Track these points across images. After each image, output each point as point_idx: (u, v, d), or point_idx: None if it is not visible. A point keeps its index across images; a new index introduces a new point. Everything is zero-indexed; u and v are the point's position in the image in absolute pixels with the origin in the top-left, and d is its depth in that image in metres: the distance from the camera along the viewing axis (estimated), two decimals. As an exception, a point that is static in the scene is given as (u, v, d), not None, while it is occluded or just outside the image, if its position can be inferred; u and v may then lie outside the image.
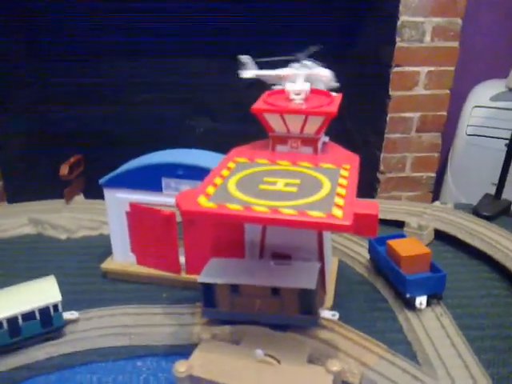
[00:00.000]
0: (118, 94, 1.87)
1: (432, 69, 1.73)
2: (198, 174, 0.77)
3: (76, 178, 1.17)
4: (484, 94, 1.75)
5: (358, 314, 0.78)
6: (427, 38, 1.69)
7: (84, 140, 1.78)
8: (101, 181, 0.81)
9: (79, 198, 1.18)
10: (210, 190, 0.62)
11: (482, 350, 0.70)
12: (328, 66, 0.81)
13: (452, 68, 1.72)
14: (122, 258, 0.86)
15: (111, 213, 0.83)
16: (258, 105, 0.72)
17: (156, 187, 0.80)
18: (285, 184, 0.64)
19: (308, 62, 0.82)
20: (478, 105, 1.74)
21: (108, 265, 0.87)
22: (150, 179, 0.79)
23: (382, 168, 1.79)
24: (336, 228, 0.55)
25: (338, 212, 0.56)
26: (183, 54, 1.77)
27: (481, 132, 1.74)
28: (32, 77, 1.83)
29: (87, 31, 1.74)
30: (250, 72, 0.82)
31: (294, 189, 0.63)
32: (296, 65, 0.84)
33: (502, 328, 0.74)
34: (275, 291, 0.69)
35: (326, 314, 0.72)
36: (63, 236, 1.03)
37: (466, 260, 0.89)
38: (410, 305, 0.77)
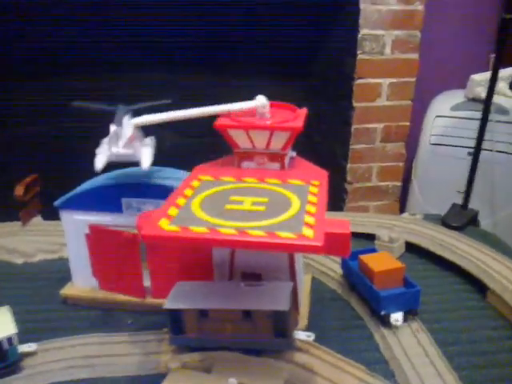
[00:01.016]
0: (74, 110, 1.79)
1: (394, 80, 1.73)
2: (160, 192, 0.73)
3: (32, 199, 1.09)
4: (445, 104, 1.76)
5: (333, 333, 0.74)
6: (387, 51, 1.70)
7: (39, 158, 1.70)
8: (56, 203, 0.75)
9: (36, 220, 1.10)
10: (173, 211, 0.58)
11: (461, 366, 0.67)
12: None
13: (413, 79, 1.73)
14: (83, 283, 0.80)
15: (69, 236, 0.77)
16: (222, 121, 0.68)
17: (116, 208, 0.75)
18: (252, 203, 0.60)
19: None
20: (439, 114, 1.75)
21: (68, 290, 0.81)
22: (109, 200, 0.74)
23: (348, 178, 1.78)
24: (307, 249, 0.52)
25: (308, 232, 0.52)
26: (140, 67, 1.72)
27: (443, 141, 1.75)
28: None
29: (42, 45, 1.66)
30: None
31: (261, 207, 0.59)
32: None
33: (478, 343, 0.72)
34: (246, 314, 0.65)
35: (301, 335, 0.68)
36: (19, 261, 0.96)
37: (437, 272, 0.87)
38: (386, 322, 0.74)
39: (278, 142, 0.67)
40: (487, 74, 1.75)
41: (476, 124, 1.73)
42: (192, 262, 0.75)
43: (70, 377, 0.66)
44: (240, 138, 0.68)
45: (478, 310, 0.78)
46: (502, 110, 1.68)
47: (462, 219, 0.99)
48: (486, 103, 1.10)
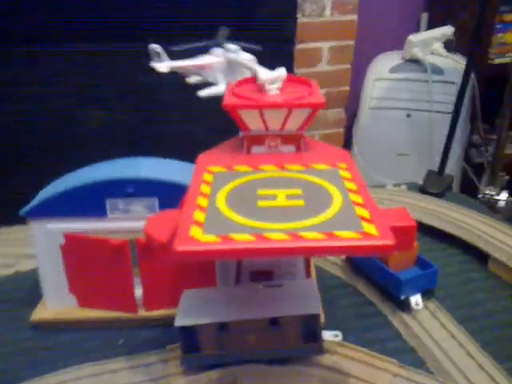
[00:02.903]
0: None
1: (333, 44, 1.68)
2: (152, 189, 0.62)
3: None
4: (383, 66, 1.75)
5: (348, 324, 0.68)
6: (327, 12, 1.64)
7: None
8: (23, 212, 0.61)
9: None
10: (199, 215, 0.47)
11: (487, 342, 0.64)
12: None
13: (352, 42, 1.70)
14: (58, 303, 0.67)
15: (40, 249, 0.63)
16: (230, 99, 0.57)
17: (99, 211, 0.62)
18: (286, 196, 0.51)
19: (231, 46, 0.69)
20: (378, 78, 1.73)
21: (40, 313, 0.67)
22: (89, 202, 0.61)
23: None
24: (377, 250, 0.44)
25: (370, 228, 0.45)
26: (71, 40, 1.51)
27: (383, 104, 1.74)
28: None
29: None
30: (164, 64, 0.68)
31: (299, 201, 0.50)
32: (218, 51, 0.70)
33: (496, 315, 0.70)
34: (274, 322, 0.57)
35: (328, 336, 0.61)
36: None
37: (435, 245, 0.84)
38: (404, 306, 0.69)
39: (296, 121, 0.58)
40: (423, 35, 1.76)
41: (414, 85, 1.75)
42: (190, 265, 0.65)
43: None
44: (252, 119, 0.57)
45: (483, 280, 0.77)
46: (438, 70, 1.69)
47: (440, 186, 0.97)
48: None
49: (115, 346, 0.65)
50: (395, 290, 0.69)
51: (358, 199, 0.50)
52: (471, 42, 1.18)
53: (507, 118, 1.32)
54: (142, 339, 0.66)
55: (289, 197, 0.51)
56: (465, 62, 1.75)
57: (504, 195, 1.34)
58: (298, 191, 0.52)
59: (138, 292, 0.66)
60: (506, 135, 1.31)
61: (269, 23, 1.68)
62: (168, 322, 0.59)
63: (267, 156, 0.59)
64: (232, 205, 0.49)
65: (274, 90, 0.59)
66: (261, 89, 0.59)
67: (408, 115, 1.71)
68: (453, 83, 1.70)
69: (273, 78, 0.58)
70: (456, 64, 1.74)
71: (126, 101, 1.61)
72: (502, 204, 1.32)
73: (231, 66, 0.70)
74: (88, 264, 0.64)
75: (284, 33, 1.65)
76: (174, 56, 0.70)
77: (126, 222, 0.62)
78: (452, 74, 1.71)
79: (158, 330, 0.67)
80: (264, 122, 0.58)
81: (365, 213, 0.47)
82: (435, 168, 1.04)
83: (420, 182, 1.03)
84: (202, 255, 0.43)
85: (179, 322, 0.56)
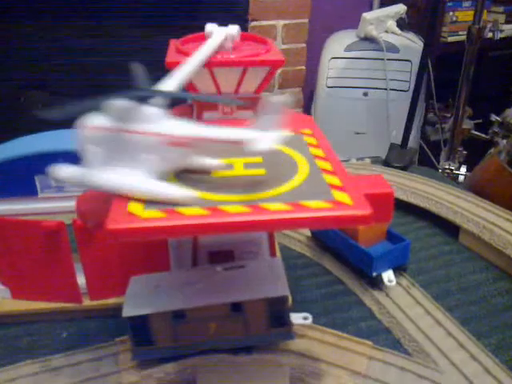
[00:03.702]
0: None
1: (287, 22, 1.60)
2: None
3: None
4: (338, 45, 1.68)
5: (318, 305, 0.62)
6: (280, -10, 1.55)
7: None
8: None
9: None
10: (140, 188, 0.38)
11: (464, 318, 0.59)
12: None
13: (306, 20, 1.62)
14: (-13, 296, 0.57)
15: (-40, 237, 0.53)
16: (173, 57, 0.48)
17: (27, 190, 0.52)
18: (244, 165, 0.43)
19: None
20: (334, 56, 1.66)
21: (-33, 310, 0.57)
22: (15, 180, 0.51)
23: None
24: (352, 221, 0.36)
25: (342, 197, 0.37)
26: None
27: (339, 83, 1.68)
28: None
29: None
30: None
31: (260, 170, 0.42)
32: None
33: (470, 290, 0.64)
34: (236, 307, 0.49)
35: (297, 319, 0.54)
36: None
37: (403, 219, 0.78)
38: (375, 283, 0.63)
39: (253, 81, 0.50)
40: (377, 12, 1.70)
41: (369, 64, 1.69)
42: (139, 247, 0.56)
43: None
44: (201, 80, 0.49)
45: (455, 254, 0.71)
46: (393, 48, 1.64)
47: (404, 159, 0.91)
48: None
49: (57, 340, 0.56)
50: (366, 267, 0.62)
51: (327, 166, 0.42)
52: (429, 21, 1.12)
53: (464, 94, 1.28)
54: (88, 332, 0.57)
55: (247, 165, 0.42)
56: (418, 40, 1.74)
57: (463, 169, 1.30)
58: (258, 159, 0.43)
59: (81, 280, 0.57)
60: (463, 111, 1.26)
61: (220, 0, 1.59)
62: (117, 311, 0.50)
63: (221, 122, 0.50)
64: (182, 176, 0.41)
65: (226, 48, 0.50)
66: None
67: (365, 94, 1.65)
68: (408, 61, 1.66)
69: (225, 34, 0.50)
70: (410, 42, 1.70)
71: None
72: (461, 178, 1.29)
73: None
74: (20, 251, 0.54)
75: (236, 10, 1.56)
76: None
77: (59, 201, 0.52)
78: (407, 52, 1.66)
79: (106, 320, 0.58)
80: (216, 83, 0.49)
81: (335, 180, 0.40)
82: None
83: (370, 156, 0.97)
84: (143, 234, 0.34)
85: (127, 311, 0.47)
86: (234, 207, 0.36)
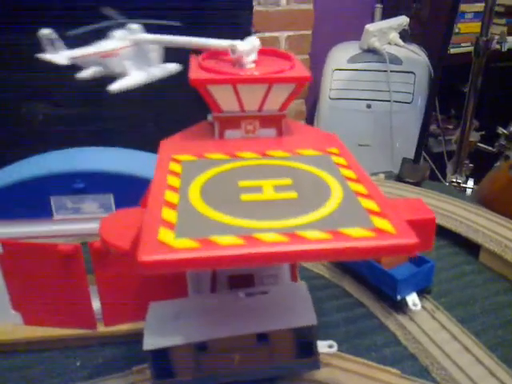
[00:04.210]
0: None
1: (291, 33, 1.59)
2: (106, 183, 0.50)
3: None
4: (341, 57, 1.66)
5: (340, 330, 0.59)
6: (283, 1, 1.54)
7: None
8: None
9: None
10: (169, 214, 0.36)
11: (491, 343, 0.56)
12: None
13: (309, 32, 1.61)
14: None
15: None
16: (198, 74, 0.46)
17: (42, 212, 0.49)
18: (273, 188, 0.40)
19: (134, 26, 0.58)
20: (337, 68, 1.65)
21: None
22: (30, 202, 0.48)
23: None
24: (397, 251, 0.34)
25: (383, 223, 0.35)
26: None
27: (342, 95, 1.66)
28: None
29: None
30: (64, 55, 0.54)
31: (291, 193, 0.39)
32: (120, 32, 0.58)
33: (496, 312, 0.62)
34: (262, 337, 0.46)
35: (322, 347, 0.51)
36: None
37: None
38: (398, 307, 0.60)
39: (277, 99, 0.47)
40: (380, 24, 1.69)
41: (373, 75, 1.68)
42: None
43: None
44: (224, 98, 0.46)
45: (476, 274, 0.68)
46: (396, 60, 1.63)
47: (417, 175, 0.89)
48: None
49: (70, 369, 0.53)
50: (390, 290, 0.59)
51: (361, 189, 0.40)
52: (444, 36, 1.11)
53: (471, 107, 1.26)
54: (103, 360, 0.54)
55: (277, 188, 0.40)
56: (421, 52, 1.72)
57: (470, 183, 1.28)
58: (288, 181, 0.41)
59: (96, 305, 0.54)
60: (470, 123, 1.25)
61: (224, 12, 1.57)
62: (132, 338, 0.47)
63: (244, 141, 0.48)
64: (209, 200, 0.38)
65: (249, 63, 0.48)
66: (232, 63, 0.48)
67: (368, 106, 1.64)
68: (411, 73, 1.64)
69: (249, 48, 0.47)
70: (413, 54, 1.68)
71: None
72: (468, 192, 1.27)
73: (138, 50, 0.59)
74: (33, 275, 0.51)
75: (239, 22, 1.54)
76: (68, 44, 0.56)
77: (76, 223, 0.50)
78: (410, 64, 1.65)
79: (122, 347, 0.55)
80: (239, 100, 0.47)
81: (372, 205, 0.37)
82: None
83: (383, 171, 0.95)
84: (177, 266, 0.32)
85: (148, 344, 0.44)
86: (270, 235, 0.33)
